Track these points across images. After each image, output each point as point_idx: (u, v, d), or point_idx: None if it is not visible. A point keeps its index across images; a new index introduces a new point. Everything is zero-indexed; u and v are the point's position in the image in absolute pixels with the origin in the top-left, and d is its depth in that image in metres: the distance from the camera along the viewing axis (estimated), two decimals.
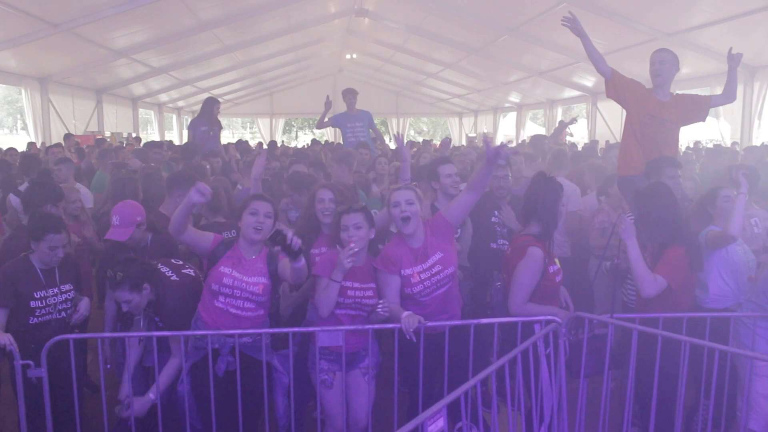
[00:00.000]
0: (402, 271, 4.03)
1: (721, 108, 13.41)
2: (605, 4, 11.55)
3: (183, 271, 4.21)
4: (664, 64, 5.54)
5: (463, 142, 26.74)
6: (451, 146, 13.82)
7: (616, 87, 5.72)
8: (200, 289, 4.15)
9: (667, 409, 3.95)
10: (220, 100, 11.26)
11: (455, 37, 17.53)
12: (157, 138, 22.46)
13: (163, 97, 23.59)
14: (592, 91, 18.54)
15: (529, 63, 18.27)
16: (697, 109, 5.69)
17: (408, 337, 3.70)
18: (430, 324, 3.84)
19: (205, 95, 18.76)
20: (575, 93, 19.74)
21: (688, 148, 14.87)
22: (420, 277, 4.05)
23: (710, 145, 14.94)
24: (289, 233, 3.55)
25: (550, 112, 22.14)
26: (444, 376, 3.95)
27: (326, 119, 9.98)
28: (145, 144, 10.57)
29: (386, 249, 4.19)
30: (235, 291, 3.92)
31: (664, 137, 5.52)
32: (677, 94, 5.68)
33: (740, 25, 10.62)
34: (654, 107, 5.52)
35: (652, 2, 11.18)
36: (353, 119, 9.81)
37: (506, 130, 27.29)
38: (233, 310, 3.95)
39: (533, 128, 28.03)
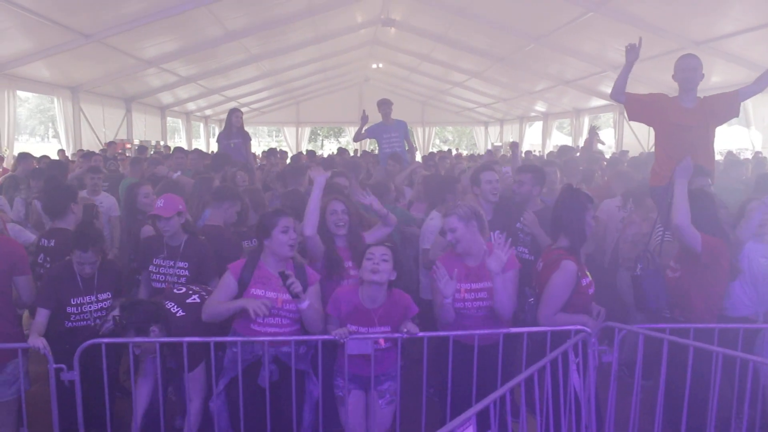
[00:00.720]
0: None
1: (752, 116, 13.25)
2: (634, 13, 11.46)
3: (188, 301, 4.23)
4: (695, 71, 5.47)
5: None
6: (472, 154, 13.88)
7: (635, 110, 5.73)
8: None
9: (697, 419, 3.91)
10: (245, 109, 11.40)
11: (481, 46, 17.52)
12: (184, 146, 22.75)
13: (191, 106, 23.84)
14: None
15: (556, 72, 18.19)
16: (727, 106, 5.57)
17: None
18: (461, 333, 3.88)
19: (232, 104, 18.99)
20: (602, 102, 19.59)
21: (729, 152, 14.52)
22: (465, 295, 4.12)
23: (747, 155, 14.63)
24: (292, 277, 3.71)
25: (576, 121, 22.00)
26: (473, 384, 3.95)
27: (363, 131, 10.03)
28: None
29: (441, 258, 4.27)
30: (272, 310, 3.95)
31: (692, 144, 5.45)
32: (703, 98, 5.60)
33: None
34: (679, 115, 5.46)
35: (681, 11, 11.08)
36: (389, 130, 9.87)
37: (532, 140, 27.16)
38: (271, 329, 4.00)
39: (559, 137, 27.85)
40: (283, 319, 4.01)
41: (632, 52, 5.50)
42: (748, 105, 13.20)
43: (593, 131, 12.72)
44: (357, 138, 10.30)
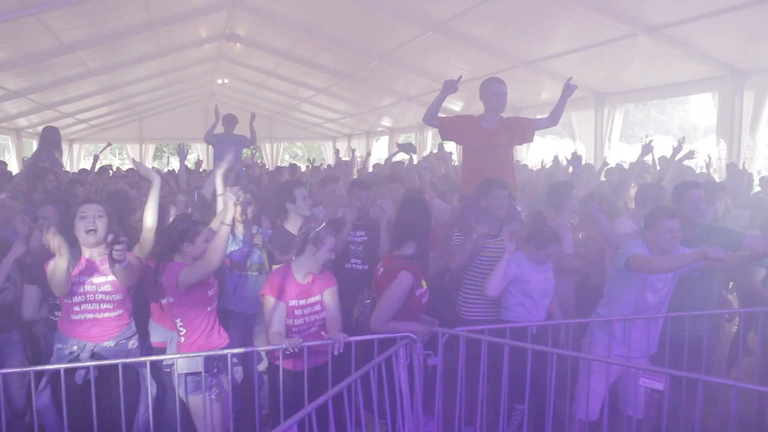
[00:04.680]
0: (288, 301, 4.20)
1: (576, 131, 14.34)
2: (470, 33, 12.09)
3: None
4: (505, 96, 5.89)
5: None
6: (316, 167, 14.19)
7: (447, 132, 6.13)
8: None
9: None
10: (84, 125, 11.08)
11: (327, 63, 17.72)
12: (14, 165, 21.21)
13: (22, 122, 22.21)
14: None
15: (400, 88, 18.73)
16: (524, 131, 6.09)
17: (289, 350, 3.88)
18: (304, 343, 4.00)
19: (69, 120, 17.87)
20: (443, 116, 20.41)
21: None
22: (302, 311, 4.24)
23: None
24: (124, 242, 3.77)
25: (420, 135, 22.77)
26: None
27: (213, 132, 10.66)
28: None
29: (273, 276, 4.31)
30: (87, 296, 3.95)
31: (497, 159, 5.88)
32: (505, 118, 6.03)
33: (591, 56, 11.44)
34: (484, 136, 5.85)
35: (513, 33, 11.83)
36: (228, 143, 10.20)
37: (379, 154, 27.77)
38: (91, 315, 3.98)
39: None
40: (103, 303, 4.01)
41: (450, 86, 5.88)
42: (573, 119, 14.32)
43: (441, 148, 13.44)
44: (207, 137, 10.87)
